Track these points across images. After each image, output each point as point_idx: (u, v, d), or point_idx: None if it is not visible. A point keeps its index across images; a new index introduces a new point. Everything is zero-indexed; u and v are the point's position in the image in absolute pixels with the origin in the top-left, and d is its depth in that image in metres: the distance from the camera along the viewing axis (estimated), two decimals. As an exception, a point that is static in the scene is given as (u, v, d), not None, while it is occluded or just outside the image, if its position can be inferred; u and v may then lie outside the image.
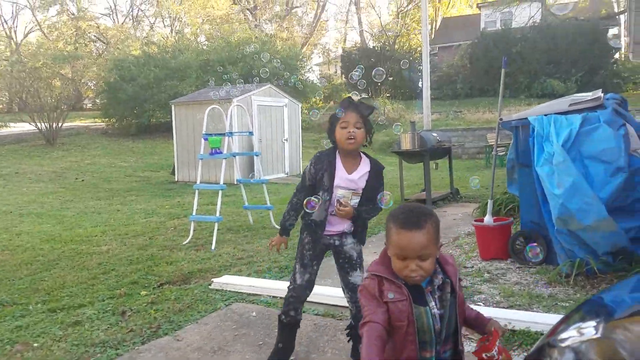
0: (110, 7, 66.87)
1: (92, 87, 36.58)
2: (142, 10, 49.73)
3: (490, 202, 5.67)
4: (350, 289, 3.05)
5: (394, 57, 32.49)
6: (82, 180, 15.44)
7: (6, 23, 47.50)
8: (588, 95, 5.06)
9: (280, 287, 4.57)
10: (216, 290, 4.79)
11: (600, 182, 4.35)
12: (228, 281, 4.91)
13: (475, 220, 5.78)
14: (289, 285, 3.19)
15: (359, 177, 2.96)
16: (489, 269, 5.08)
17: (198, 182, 7.44)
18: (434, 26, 40.71)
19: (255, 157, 8.11)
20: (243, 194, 8.00)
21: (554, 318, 3.25)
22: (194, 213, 7.22)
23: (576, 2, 27.64)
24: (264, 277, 5.12)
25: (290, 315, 3.15)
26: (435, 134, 9.99)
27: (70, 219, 9.04)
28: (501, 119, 5.59)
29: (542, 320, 3.53)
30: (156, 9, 46.83)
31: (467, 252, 5.77)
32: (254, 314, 4.18)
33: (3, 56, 36.90)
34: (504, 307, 4.02)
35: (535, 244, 2.65)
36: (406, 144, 9.20)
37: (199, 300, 4.54)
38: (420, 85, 16.80)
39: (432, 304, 1.88)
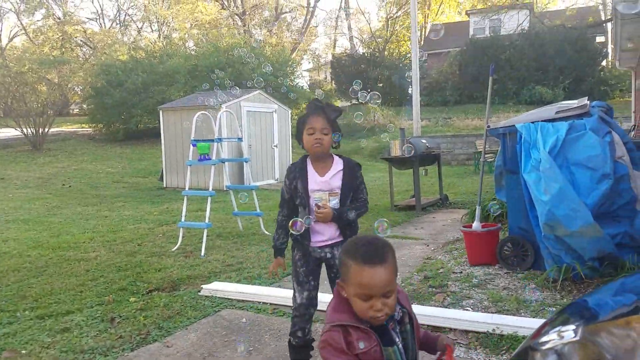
0: (97, 11, 66.58)
1: (79, 92, 36.34)
2: (129, 15, 49.59)
3: (478, 209, 5.72)
4: None
5: (383, 64, 32.65)
6: (69, 187, 15.32)
7: (-10, 27, 47.14)
8: (574, 103, 5.14)
9: (270, 294, 4.58)
10: (205, 296, 4.78)
11: (586, 188, 4.41)
12: (217, 288, 4.91)
13: (463, 226, 5.83)
14: (292, 305, 3.08)
15: (331, 176, 2.91)
16: (478, 274, 5.12)
17: (187, 188, 7.43)
18: (423, 33, 40.96)
19: (244, 163, 8.11)
20: (232, 200, 7.99)
21: (541, 323, 3.28)
22: (182, 219, 7.19)
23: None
24: (254, 284, 5.11)
25: (299, 337, 3.00)
26: (424, 141, 10.07)
27: (58, 226, 8.97)
28: (488, 126, 5.65)
29: (530, 324, 3.55)
30: (144, 13, 46.67)
31: (456, 258, 5.81)
32: (244, 320, 4.18)
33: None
34: (492, 312, 4.05)
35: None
36: (396, 151, 9.26)
37: (189, 306, 4.53)
38: (409, 91, 16.86)
39: (397, 339, 1.77)
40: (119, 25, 49.41)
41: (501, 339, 3.50)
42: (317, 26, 54.50)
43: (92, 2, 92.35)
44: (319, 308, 3.06)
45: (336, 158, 2.99)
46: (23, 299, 4.89)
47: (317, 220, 2.90)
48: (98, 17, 53.51)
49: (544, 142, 4.61)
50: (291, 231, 2.85)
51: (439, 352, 1.95)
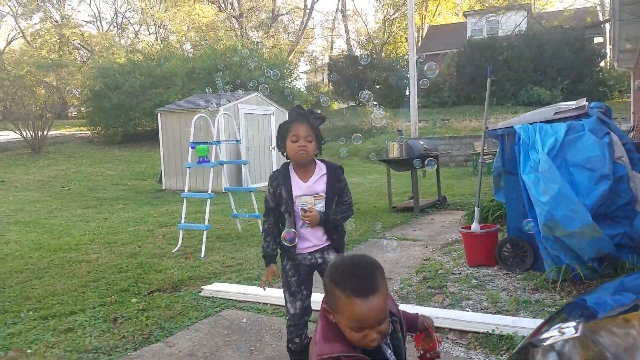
0: (94, 14, 66.53)
1: (77, 95, 36.36)
2: (126, 18, 49.63)
3: (477, 210, 5.74)
4: None
5: (380, 65, 32.70)
6: (69, 189, 15.34)
7: (-11, 31, 47.15)
8: (573, 104, 5.15)
9: (270, 294, 4.57)
10: (206, 297, 4.81)
11: (585, 189, 4.42)
12: (218, 288, 4.94)
13: (462, 228, 5.85)
14: (285, 315, 3.05)
15: (315, 181, 2.88)
16: (477, 275, 5.14)
17: (186, 190, 7.46)
18: (420, 34, 41.05)
19: (243, 165, 8.15)
20: (231, 202, 8.02)
21: (540, 323, 3.31)
22: (182, 221, 7.23)
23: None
24: (254, 285, 5.14)
25: (296, 343, 3.00)
26: (422, 142, 10.10)
27: (59, 228, 9.00)
28: (487, 128, 5.66)
29: (529, 325, 3.57)
30: (141, 16, 46.72)
31: (455, 259, 5.83)
32: (244, 320, 4.21)
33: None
34: (491, 313, 4.08)
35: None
36: (394, 152, 9.30)
37: (190, 307, 4.56)
38: (407, 93, 16.90)
39: (389, 352, 1.71)
40: (116, 28, 49.45)
41: (501, 339, 3.52)
42: (314, 28, 54.61)
43: (90, 5, 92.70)
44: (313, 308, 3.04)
45: (318, 162, 2.96)
46: (26, 299, 4.93)
47: (304, 225, 2.87)
48: (95, 20, 53.78)
49: (543, 143, 4.63)
50: (284, 243, 2.80)
51: (417, 333, 1.98)
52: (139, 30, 49.65)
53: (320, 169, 2.93)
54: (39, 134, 22.58)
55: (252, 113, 15.13)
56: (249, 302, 4.63)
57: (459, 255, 5.93)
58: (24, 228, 9.07)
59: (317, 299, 3.04)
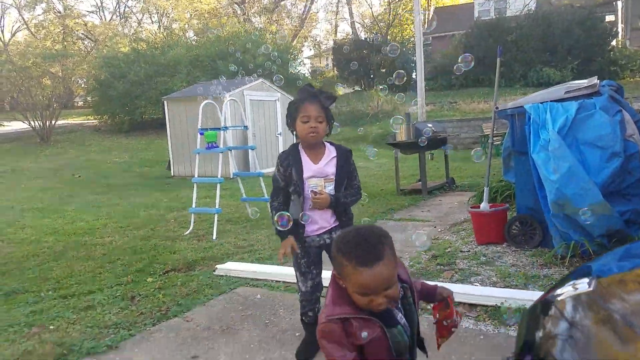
0: (97, 4, 66.31)
1: (83, 85, 36.46)
2: (128, 7, 49.60)
3: (486, 190, 5.78)
4: None
5: (386, 48, 32.40)
6: (79, 177, 15.48)
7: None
8: (584, 82, 5.12)
9: (282, 272, 4.66)
10: (220, 276, 4.91)
11: (596, 167, 4.42)
12: (232, 267, 5.03)
13: (471, 207, 5.91)
14: (297, 291, 3.12)
15: (325, 163, 2.91)
16: (486, 252, 5.21)
17: (196, 175, 7.55)
18: (426, 16, 40.66)
19: (250, 150, 8.19)
20: (241, 186, 8.08)
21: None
22: (193, 205, 7.32)
23: None
24: (267, 264, 5.22)
25: (310, 316, 3.08)
26: (430, 125, 10.13)
27: (72, 213, 9.13)
28: (497, 108, 5.67)
29: (538, 297, 3.62)
30: (143, 5, 46.64)
31: (464, 238, 5.88)
32: (258, 296, 4.31)
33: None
34: (500, 287, 4.15)
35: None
36: (401, 136, 9.33)
37: (205, 285, 4.66)
38: (414, 76, 16.83)
39: (400, 316, 1.76)
40: (119, 18, 49.43)
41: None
42: (317, 12, 54.24)
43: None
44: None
45: (328, 145, 2.98)
46: (45, 280, 5.04)
47: (314, 207, 2.88)
48: (98, 10, 53.65)
49: (554, 122, 4.61)
50: (276, 226, 2.77)
51: (437, 303, 2.04)
52: (141, 19, 49.64)
53: (330, 152, 2.95)
54: (47, 124, 22.76)
55: (258, 99, 15.16)
56: (262, 279, 4.72)
57: (468, 234, 5.99)
58: (38, 214, 9.20)
59: (327, 275, 3.12)
